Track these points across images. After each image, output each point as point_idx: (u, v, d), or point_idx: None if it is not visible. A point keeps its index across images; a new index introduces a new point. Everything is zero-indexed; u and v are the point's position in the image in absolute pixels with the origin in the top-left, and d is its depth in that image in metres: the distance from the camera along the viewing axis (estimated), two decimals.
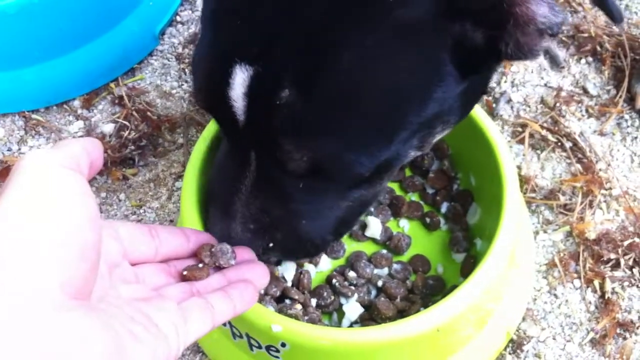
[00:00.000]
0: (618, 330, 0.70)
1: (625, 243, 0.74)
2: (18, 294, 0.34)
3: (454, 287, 0.61)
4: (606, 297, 0.72)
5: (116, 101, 0.91)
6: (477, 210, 0.72)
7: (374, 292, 0.69)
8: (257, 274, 0.54)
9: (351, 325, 0.66)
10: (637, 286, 0.73)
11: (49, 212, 0.37)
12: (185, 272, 0.51)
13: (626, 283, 0.73)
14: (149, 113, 0.89)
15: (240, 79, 0.47)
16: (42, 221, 0.36)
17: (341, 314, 0.67)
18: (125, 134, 0.87)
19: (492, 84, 0.88)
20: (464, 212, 0.72)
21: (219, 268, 0.53)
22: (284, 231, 0.57)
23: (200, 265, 0.52)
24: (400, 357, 0.61)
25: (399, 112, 0.49)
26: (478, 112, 0.67)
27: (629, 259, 0.73)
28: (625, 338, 0.70)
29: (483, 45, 0.48)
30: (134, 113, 0.89)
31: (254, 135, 0.50)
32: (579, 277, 0.73)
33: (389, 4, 0.45)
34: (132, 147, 0.86)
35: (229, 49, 0.48)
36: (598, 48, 0.89)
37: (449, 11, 0.46)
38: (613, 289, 0.72)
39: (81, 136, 0.88)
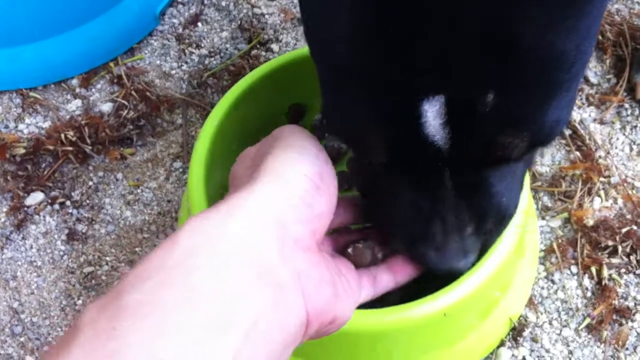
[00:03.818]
0: (614, 317, 0.70)
1: (623, 230, 0.74)
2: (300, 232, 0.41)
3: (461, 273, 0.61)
4: (603, 283, 0.72)
5: (115, 80, 0.90)
6: None
7: None
8: None
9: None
10: (634, 273, 0.73)
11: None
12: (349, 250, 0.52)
13: (623, 270, 0.73)
14: (147, 93, 0.88)
15: (432, 113, 0.42)
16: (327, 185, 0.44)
17: None
18: (124, 113, 0.86)
19: None
20: None
21: None
22: (493, 218, 0.52)
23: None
24: (407, 341, 0.61)
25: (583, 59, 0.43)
26: None
27: (627, 246, 0.73)
28: (621, 324, 0.70)
29: None
30: (133, 93, 0.88)
31: (458, 152, 0.45)
32: (577, 264, 0.73)
33: None
34: (131, 127, 0.86)
35: (401, 93, 0.42)
36: (600, 37, 0.89)
37: None
38: (610, 275, 0.72)
39: (79, 115, 0.87)
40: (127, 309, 0.34)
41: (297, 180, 0.42)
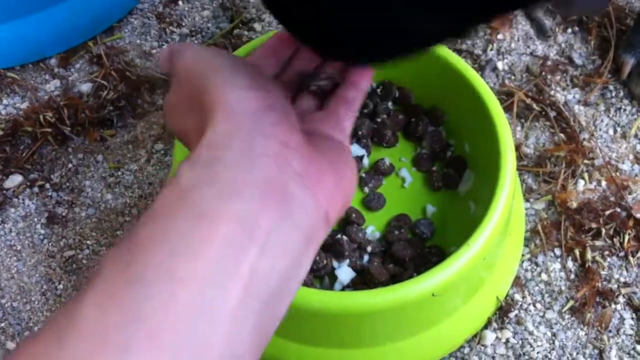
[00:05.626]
0: (597, 299, 0.71)
1: (607, 213, 0.74)
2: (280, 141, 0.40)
3: (444, 253, 0.60)
4: (586, 265, 0.72)
5: (94, 60, 0.88)
6: (470, 177, 0.71)
7: (366, 257, 0.68)
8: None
9: (343, 289, 0.66)
10: (617, 255, 0.73)
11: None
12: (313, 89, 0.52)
13: (606, 252, 0.73)
14: (128, 73, 0.87)
15: None
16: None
17: (333, 279, 0.66)
18: (104, 94, 0.85)
19: (478, 51, 0.87)
20: (459, 178, 0.72)
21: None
22: None
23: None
24: (395, 322, 0.61)
25: None
26: (476, 81, 0.66)
27: (610, 228, 0.74)
28: (604, 306, 0.70)
29: None
30: (113, 73, 0.86)
31: None
32: (560, 246, 0.74)
33: None
34: (111, 108, 0.84)
35: None
36: (584, 18, 0.88)
37: None
38: (593, 257, 0.73)
39: (58, 96, 0.85)
40: (143, 241, 0.36)
41: (248, 94, 0.42)
